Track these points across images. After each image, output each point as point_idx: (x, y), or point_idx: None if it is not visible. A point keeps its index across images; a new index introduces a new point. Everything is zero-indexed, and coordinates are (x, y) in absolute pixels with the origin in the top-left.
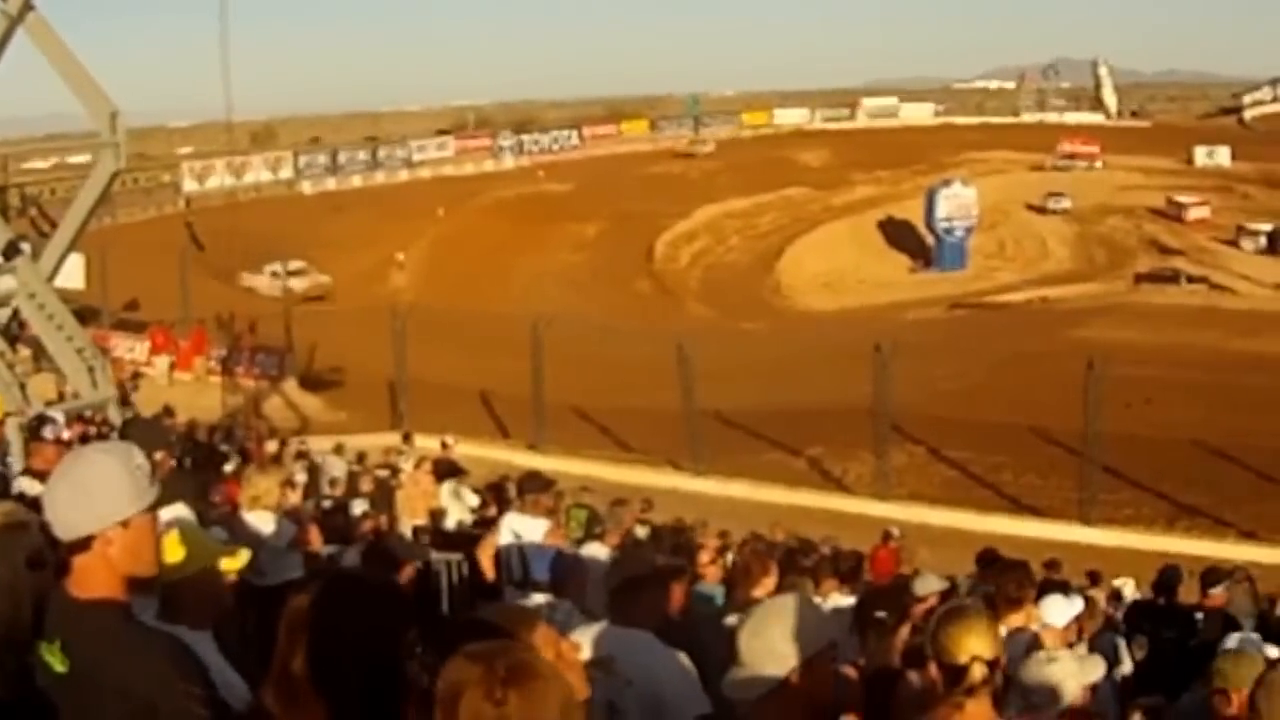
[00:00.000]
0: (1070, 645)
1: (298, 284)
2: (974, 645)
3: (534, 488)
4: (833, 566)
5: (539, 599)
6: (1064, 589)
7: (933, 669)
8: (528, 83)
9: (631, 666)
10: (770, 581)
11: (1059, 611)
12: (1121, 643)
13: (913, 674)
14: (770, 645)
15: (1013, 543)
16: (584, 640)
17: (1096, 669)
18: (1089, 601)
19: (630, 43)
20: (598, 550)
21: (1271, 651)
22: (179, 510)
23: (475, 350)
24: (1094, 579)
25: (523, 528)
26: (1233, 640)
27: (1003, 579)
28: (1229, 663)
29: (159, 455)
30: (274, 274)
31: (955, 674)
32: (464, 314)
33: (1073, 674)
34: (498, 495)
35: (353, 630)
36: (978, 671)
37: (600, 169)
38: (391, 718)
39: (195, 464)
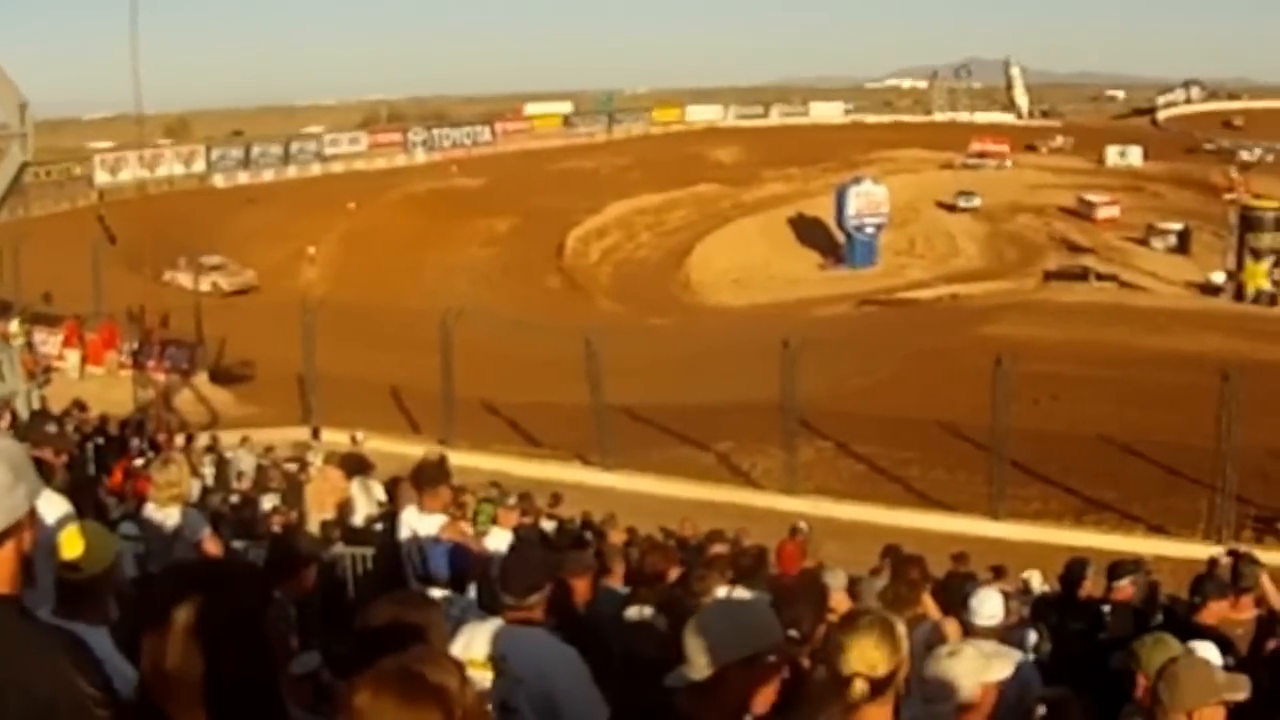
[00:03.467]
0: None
1: (223, 280)
2: (859, 659)
3: (429, 480)
4: (734, 561)
5: (437, 594)
6: (970, 584)
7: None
8: (441, 77)
9: (522, 665)
10: (673, 576)
11: (990, 608)
12: (1032, 637)
13: (821, 669)
14: (702, 641)
15: (921, 537)
16: (481, 636)
17: (1004, 666)
18: (1009, 596)
19: (545, 38)
20: (499, 538)
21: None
22: (64, 504)
23: (386, 345)
24: (998, 573)
25: (419, 523)
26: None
27: (899, 572)
28: (1145, 646)
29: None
30: (200, 268)
31: (840, 685)
32: (375, 308)
33: (973, 670)
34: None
35: (215, 616)
36: (857, 689)
37: (513, 164)
38: (271, 704)
39: (101, 458)
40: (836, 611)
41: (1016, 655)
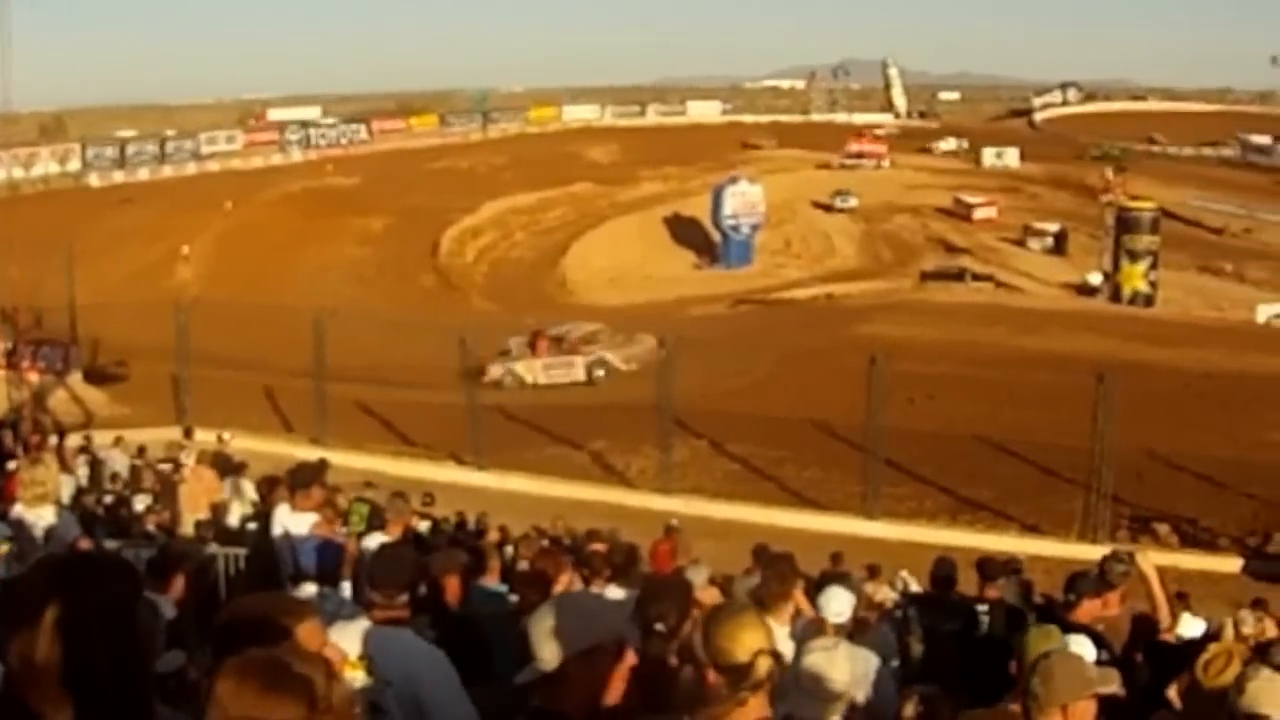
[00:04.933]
0: (850, 637)
1: (615, 355)
2: (751, 640)
3: (302, 482)
4: (607, 559)
5: (310, 589)
6: (846, 581)
7: (709, 673)
8: (317, 76)
9: (390, 666)
10: (566, 580)
11: (839, 603)
12: (891, 636)
13: (689, 669)
14: (544, 635)
15: (796, 536)
16: (350, 636)
17: (868, 660)
18: (865, 595)
19: (421, 36)
20: (379, 541)
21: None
22: None
23: (260, 344)
24: (872, 572)
25: (291, 522)
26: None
27: (767, 572)
28: (1028, 637)
29: None
30: (563, 345)
31: (737, 672)
32: (249, 308)
33: (846, 663)
34: (273, 489)
35: (84, 608)
36: (763, 665)
37: (388, 163)
38: (139, 699)
39: None
40: (703, 606)
41: (873, 658)
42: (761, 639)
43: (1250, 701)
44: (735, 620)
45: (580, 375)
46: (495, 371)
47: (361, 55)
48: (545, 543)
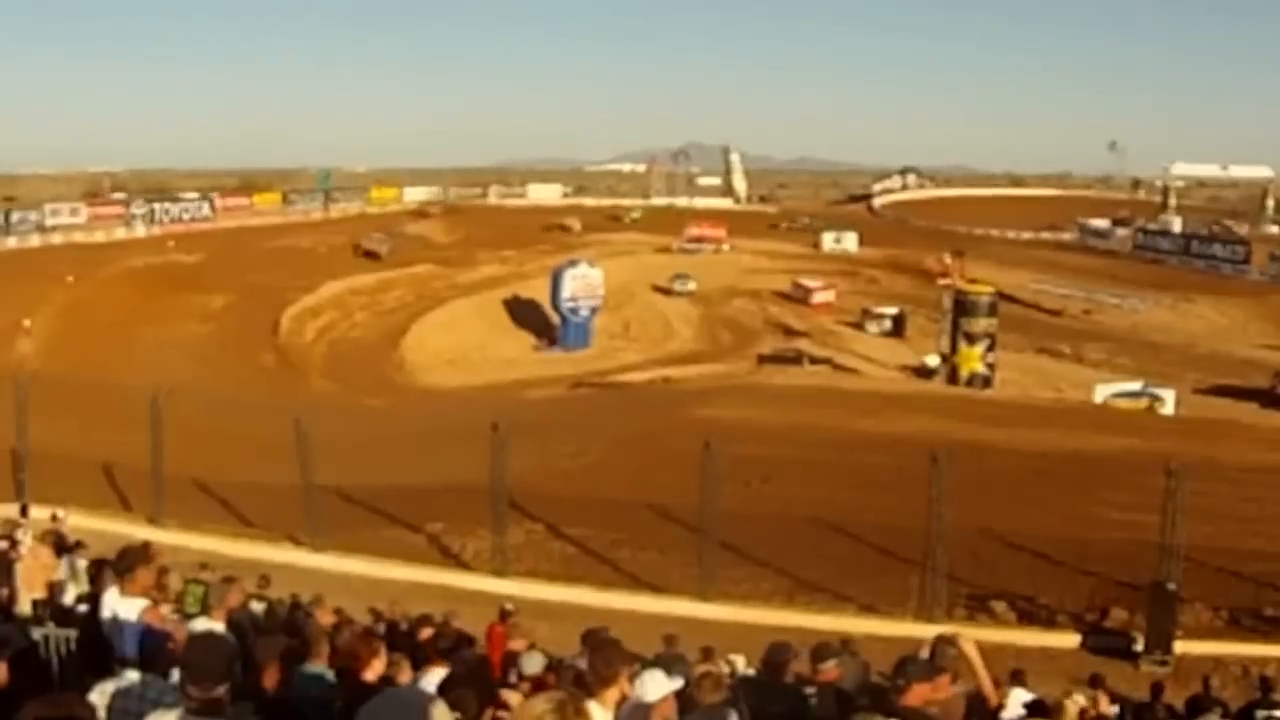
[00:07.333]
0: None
1: None
2: None
3: (125, 567)
4: (438, 644)
5: (133, 676)
6: (679, 665)
7: None
8: (163, 151)
9: None
10: (380, 664)
11: (654, 688)
12: (734, 717)
13: None
14: None
15: (632, 619)
16: None
17: None
18: (699, 678)
19: (266, 114)
20: (205, 625)
21: None
22: None
23: (100, 421)
24: (707, 655)
25: (120, 606)
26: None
27: (593, 657)
28: None
29: None
30: None
31: None
32: (90, 384)
33: None
34: (101, 571)
35: None
36: None
37: (231, 240)
38: None
39: None
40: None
41: None
42: None
43: None
44: (527, 704)
45: None
46: None
47: (206, 131)
48: (380, 627)
